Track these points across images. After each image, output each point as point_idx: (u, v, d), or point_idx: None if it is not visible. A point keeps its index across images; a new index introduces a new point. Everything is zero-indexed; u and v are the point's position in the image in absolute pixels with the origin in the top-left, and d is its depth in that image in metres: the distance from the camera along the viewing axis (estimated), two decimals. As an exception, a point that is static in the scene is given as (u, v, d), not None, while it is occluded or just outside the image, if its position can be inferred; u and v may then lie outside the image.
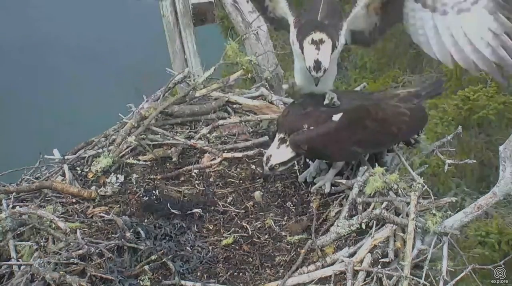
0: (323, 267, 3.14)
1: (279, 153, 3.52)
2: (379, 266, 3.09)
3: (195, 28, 5.55)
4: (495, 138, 6.62)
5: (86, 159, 4.03)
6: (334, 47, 3.32)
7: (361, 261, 3.12)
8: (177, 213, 3.54)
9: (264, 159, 3.58)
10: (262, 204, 3.67)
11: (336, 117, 3.43)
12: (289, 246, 3.34)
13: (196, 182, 3.87)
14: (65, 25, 14.68)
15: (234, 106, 4.48)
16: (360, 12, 3.32)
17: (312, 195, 3.64)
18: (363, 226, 3.28)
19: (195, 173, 3.92)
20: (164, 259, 3.15)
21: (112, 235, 3.33)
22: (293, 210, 3.61)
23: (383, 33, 3.45)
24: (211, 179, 3.89)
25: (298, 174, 3.80)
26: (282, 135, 3.55)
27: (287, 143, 3.50)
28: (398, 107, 3.54)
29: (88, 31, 14.43)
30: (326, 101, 3.50)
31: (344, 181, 3.59)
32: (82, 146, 4.20)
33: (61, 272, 2.99)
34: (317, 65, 3.31)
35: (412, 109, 3.56)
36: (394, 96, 3.67)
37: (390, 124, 3.49)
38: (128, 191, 3.77)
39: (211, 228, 3.51)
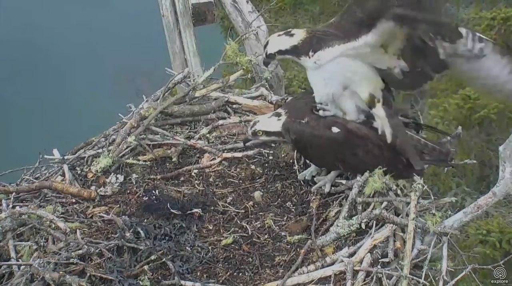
0: (322, 267, 3.14)
1: (268, 122, 3.56)
2: (378, 266, 3.09)
3: (195, 28, 5.54)
4: (495, 138, 6.61)
5: (86, 159, 4.03)
6: (298, 50, 3.29)
7: (361, 261, 3.12)
8: (176, 213, 3.54)
9: (251, 123, 3.61)
10: (261, 204, 3.67)
11: (335, 130, 3.40)
12: (288, 246, 3.34)
13: (196, 182, 3.87)
14: (65, 25, 14.68)
15: (234, 106, 4.48)
16: (364, 48, 3.10)
17: (312, 195, 3.64)
18: (363, 226, 3.27)
19: (194, 173, 3.92)
20: (163, 259, 3.16)
21: (112, 235, 3.33)
22: (293, 210, 3.61)
23: (426, 77, 3.21)
24: (211, 179, 3.89)
25: (297, 173, 3.80)
26: (281, 111, 3.57)
27: (280, 117, 3.52)
28: (399, 155, 3.42)
29: (88, 31, 14.42)
30: (318, 106, 3.44)
31: (344, 181, 3.59)
32: (82, 146, 4.20)
33: (60, 272, 2.99)
34: (265, 45, 3.44)
35: (409, 162, 3.42)
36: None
37: (378, 162, 3.37)
38: (128, 191, 3.77)
39: (210, 228, 3.51)
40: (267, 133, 3.57)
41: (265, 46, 3.46)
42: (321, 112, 3.43)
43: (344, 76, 3.29)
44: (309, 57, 3.29)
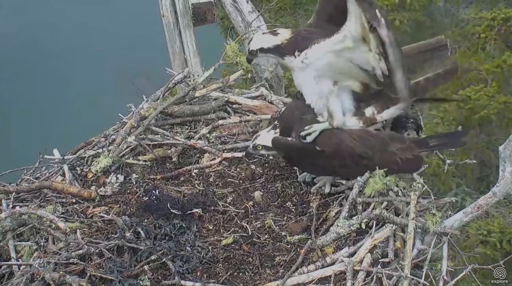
0: (323, 267, 3.14)
1: (267, 137, 3.57)
2: (379, 266, 3.09)
3: (195, 28, 5.54)
4: (495, 138, 6.62)
5: (86, 159, 4.03)
6: (282, 50, 3.29)
7: (361, 261, 3.12)
8: (177, 213, 3.54)
9: (253, 136, 3.64)
10: (262, 204, 3.67)
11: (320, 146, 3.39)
12: (289, 246, 3.34)
13: (196, 182, 3.87)
14: (65, 25, 14.68)
15: (234, 106, 4.48)
16: (348, 41, 3.12)
17: (312, 195, 3.64)
18: (363, 226, 3.27)
19: (195, 173, 3.92)
20: (164, 259, 3.16)
21: (112, 235, 3.33)
22: (293, 210, 3.60)
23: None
24: (211, 179, 3.89)
25: (298, 173, 3.80)
26: (277, 123, 3.59)
27: (277, 131, 3.54)
28: (393, 155, 3.39)
29: (88, 30, 14.42)
30: (302, 133, 3.39)
31: (344, 181, 3.59)
32: (82, 146, 4.20)
33: (61, 272, 2.99)
34: (249, 41, 3.43)
35: (405, 161, 3.41)
36: (400, 140, 3.47)
37: (370, 168, 3.34)
38: (128, 191, 3.77)
39: (211, 228, 3.51)
40: (266, 148, 3.58)
41: (249, 42, 3.46)
42: (308, 139, 3.38)
43: (334, 72, 3.29)
44: (295, 57, 3.29)
